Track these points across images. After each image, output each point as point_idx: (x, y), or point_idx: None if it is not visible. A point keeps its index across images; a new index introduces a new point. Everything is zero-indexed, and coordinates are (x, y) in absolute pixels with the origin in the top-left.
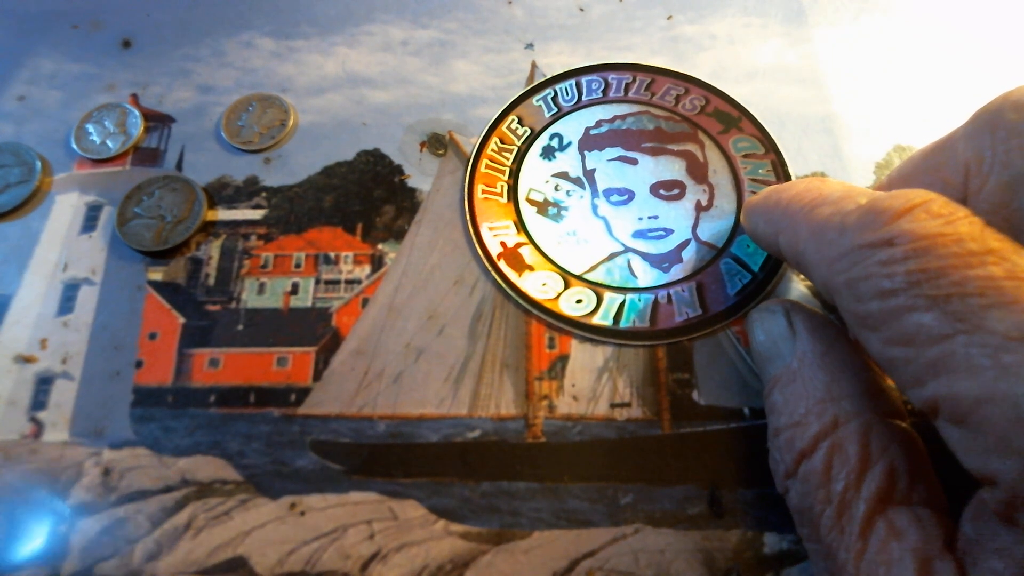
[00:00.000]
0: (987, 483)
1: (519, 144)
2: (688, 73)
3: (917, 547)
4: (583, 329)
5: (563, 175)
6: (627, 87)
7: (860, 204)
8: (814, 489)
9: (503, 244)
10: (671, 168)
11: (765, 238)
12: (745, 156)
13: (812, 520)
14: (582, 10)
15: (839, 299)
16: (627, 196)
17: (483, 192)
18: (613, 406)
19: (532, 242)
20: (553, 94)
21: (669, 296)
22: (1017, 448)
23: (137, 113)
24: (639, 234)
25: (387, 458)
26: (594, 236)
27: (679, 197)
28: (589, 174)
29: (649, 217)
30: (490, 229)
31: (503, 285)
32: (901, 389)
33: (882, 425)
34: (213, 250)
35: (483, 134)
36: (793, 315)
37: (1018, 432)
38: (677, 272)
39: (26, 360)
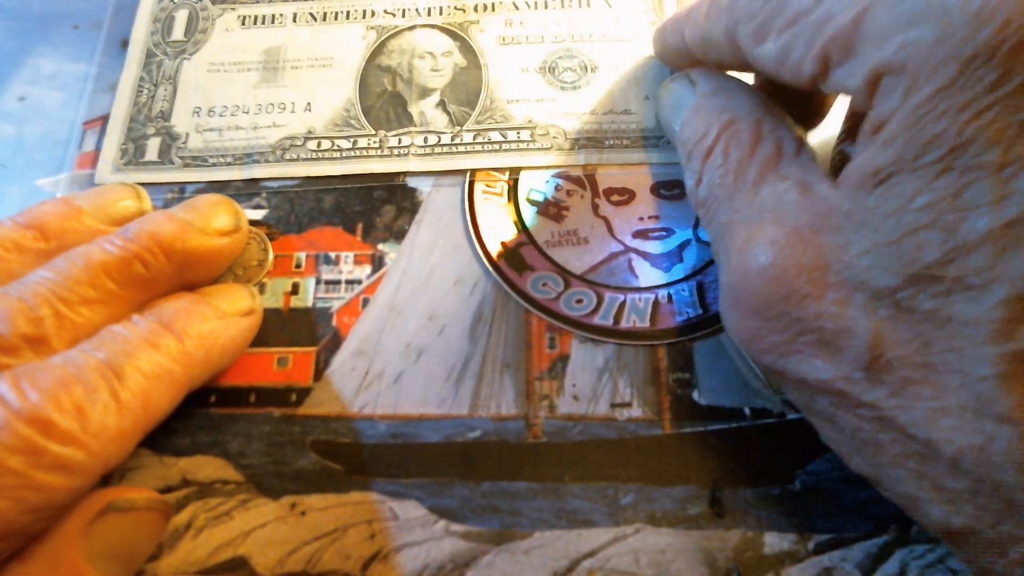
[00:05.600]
0: (870, 95)
1: None
2: None
3: (800, 177)
4: (583, 329)
5: (564, 175)
6: None
7: None
8: (715, 171)
9: (503, 244)
10: (674, 168)
11: (675, 47)
12: None
13: (714, 196)
14: None
15: (740, 34)
16: (627, 196)
17: (483, 192)
18: (614, 406)
19: (532, 242)
20: None
21: (669, 296)
22: (892, 30)
23: None
24: (640, 234)
25: (387, 458)
26: (595, 236)
27: (680, 197)
28: (590, 174)
29: (650, 217)
30: (490, 229)
31: (503, 285)
32: (799, 71)
33: (771, 117)
34: None
35: None
36: (692, 73)
37: (892, 19)
38: (678, 272)
39: None
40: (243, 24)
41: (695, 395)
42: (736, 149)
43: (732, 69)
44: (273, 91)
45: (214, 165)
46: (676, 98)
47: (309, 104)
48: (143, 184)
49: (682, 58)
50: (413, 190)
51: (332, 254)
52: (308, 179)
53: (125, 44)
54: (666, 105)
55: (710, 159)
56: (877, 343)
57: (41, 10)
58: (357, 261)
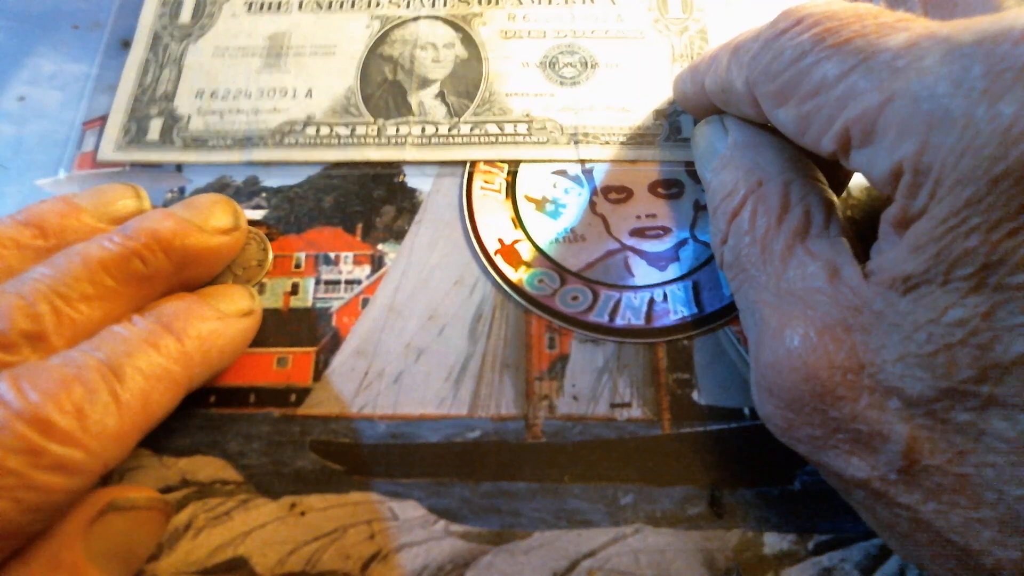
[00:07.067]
0: (892, 186)
1: None
2: None
3: (828, 259)
4: (579, 326)
5: (562, 172)
6: None
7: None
8: (742, 237)
9: (500, 240)
10: (670, 166)
11: (694, 95)
12: None
13: (740, 264)
14: None
15: (759, 92)
16: (625, 194)
17: (482, 189)
18: (613, 406)
19: (529, 239)
20: None
21: (665, 294)
22: (914, 128)
23: None
24: (637, 232)
25: (387, 458)
26: (592, 234)
27: (678, 196)
28: (588, 172)
29: (647, 216)
30: (488, 226)
31: (499, 281)
32: (817, 144)
33: (801, 180)
34: None
35: None
36: (725, 119)
37: (915, 115)
38: (674, 271)
39: None
40: (249, 10)
41: (695, 395)
42: (763, 216)
43: (754, 120)
44: (275, 76)
45: (214, 147)
46: (708, 144)
47: (310, 90)
48: (144, 163)
49: (703, 107)
50: (413, 190)
51: (332, 254)
52: (310, 177)
53: (125, 44)
54: (698, 149)
55: (736, 222)
56: (912, 449)
57: (41, 10)
58: (357, 261)
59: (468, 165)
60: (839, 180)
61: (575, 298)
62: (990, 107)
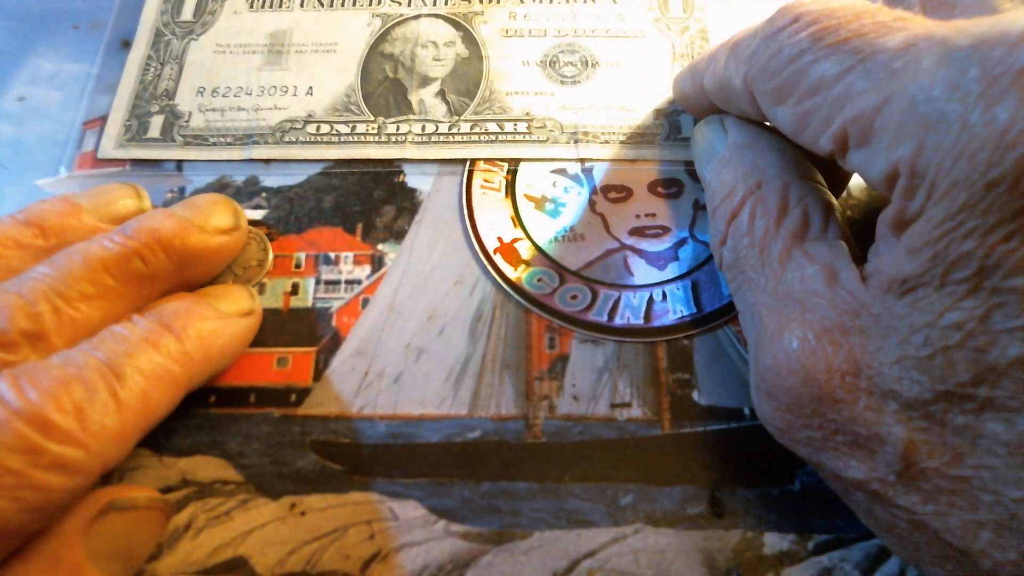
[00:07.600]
0: (889, 188)
1: None
2: None
3: (826, 262)
4: (578, 325)
5: (561, 171)
6: None
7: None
8: (740, 238)
9: (500, 239)
10: (670, 166)
11: (693, 95)
12: None
13: (739, 266)
14: None
15: (758, 89)
16: (625, 193)
17: (481, 187)
18: (613, 406)
19: (529, 237)
20: None
21: (664, 293)
22: (911, 130)
23: None
24: (636, 231)
25: (387, 458)
26: (591, 233)
27: (677, 195)
28: (587, 171)
29: (647, 215)
30: (488, 225)
31: (499, 280)
32: (815, 143)
33: (800, 182)
34: None
35: None
36: (725, 119)
37: (911, 117)
38: (673, 270)
39: None
40: (251, 7)
41: (695, 395)
42: (762, 217)
43: (753, 119)
44: (276, 74)
45: (214, 144)
46: (708, 144)
47: (311, 88)
48: (144, 160)
49: (702, 106)
50: (413, 190)
51: (332, 254)
52: (310, 177)
53: (126, 44)
54: (698, 149)
55: (735, 223)
56: (910, 452)
57: (41, 10)
58: (357, 261)
59: (468, 164)
60: (838, 180)
61: (574, 297)
62: (985, 111)
